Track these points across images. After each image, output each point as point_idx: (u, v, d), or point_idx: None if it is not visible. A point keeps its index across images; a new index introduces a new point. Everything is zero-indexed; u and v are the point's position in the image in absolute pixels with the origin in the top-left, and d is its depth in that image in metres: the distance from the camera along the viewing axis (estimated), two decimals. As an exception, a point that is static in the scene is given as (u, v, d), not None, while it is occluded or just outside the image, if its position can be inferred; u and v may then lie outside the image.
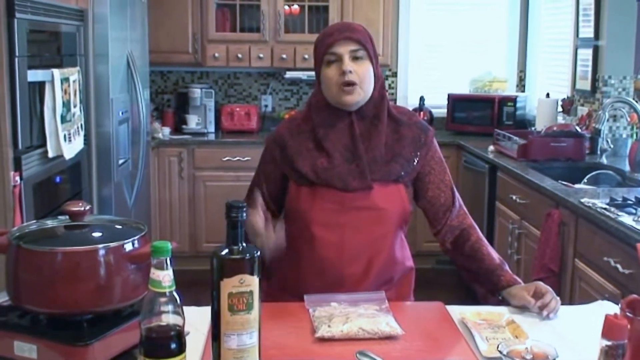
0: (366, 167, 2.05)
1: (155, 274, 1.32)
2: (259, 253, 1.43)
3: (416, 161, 2.13)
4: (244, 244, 1.43)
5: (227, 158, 5.40)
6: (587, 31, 4.78)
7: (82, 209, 1.63)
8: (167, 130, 5.61)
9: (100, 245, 1.52)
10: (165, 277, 1.32)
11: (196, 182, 5.45)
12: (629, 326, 1.43)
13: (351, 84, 2.02)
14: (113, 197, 3.87)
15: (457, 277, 4.52)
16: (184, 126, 5.74)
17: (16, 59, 2.76)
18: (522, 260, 4.04)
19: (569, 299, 3.29)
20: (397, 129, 2.12)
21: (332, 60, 2.04)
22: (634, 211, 2.97)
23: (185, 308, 1.37)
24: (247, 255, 1.42)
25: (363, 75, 2.04)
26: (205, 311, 1.50)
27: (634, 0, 4.11)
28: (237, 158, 5.37)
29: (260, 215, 1.96)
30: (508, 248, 4.17)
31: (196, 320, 1.71)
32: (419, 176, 2.16)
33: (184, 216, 5.50)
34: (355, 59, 2.03)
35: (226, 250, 1.42)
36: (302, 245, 2.08)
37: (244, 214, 1.42)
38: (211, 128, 5.78)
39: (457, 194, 2.21)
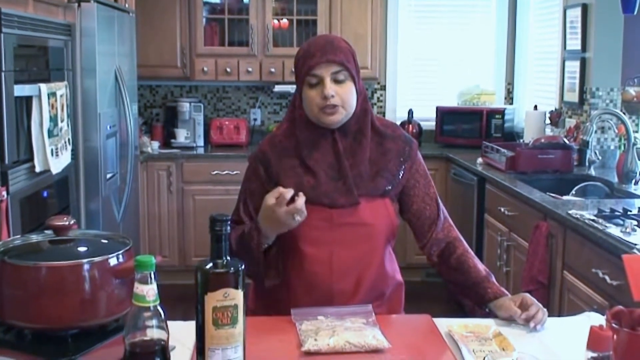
0: (352, 184, 2.04)
1: (139, 288, 1.31)
2: (243, 267, 1.43)
3: (401, 174, 2.13)
4: (228, 258, 1.43)
5: (216, 172, 5.40)
6: (575, 43, 4.81)
7: (67, 223, 1.63)
8: (156, 144, 5.60)
9: (85, 260, 1.52)
10: (149, 291, 1.31)
11: (185, 196, 5.45)
12: (614, 337, 1.43)
13: (333, 106, 2.02)
14: (101, 211, 3.85)
15: (447, 289, 4.52)
16: (172, 140, 5.74)
17: (3, 74, 2.76)
18: (512, 272, 4.04)
19: (557, 311, 3.29)
20: (381, 142, 2.12)
21: (313, 83, 2.04)
22: (621, 222, 2.98)
23: (171, 322, 1.36)
24: (232, 269, 1.41)
25: (345, 97, 2.03)
26: (192, 325, 1.49)
27: (620, 12, 4.13)
28: (226, 172, 5.37)
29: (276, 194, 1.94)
30: (497, 260, 4.18)
31: (182, 335, 1.69)
32: (404, 190, 2.15)
33: (173, 230, 5.49)
34: (336, 81, 2.03)
35: (210, 264, 1.42)
36: (291, 262, 2.08)
37: (228, 228, 1.42)
38: (200, 142, 5.79)
39: (442, 207, 2.21)
